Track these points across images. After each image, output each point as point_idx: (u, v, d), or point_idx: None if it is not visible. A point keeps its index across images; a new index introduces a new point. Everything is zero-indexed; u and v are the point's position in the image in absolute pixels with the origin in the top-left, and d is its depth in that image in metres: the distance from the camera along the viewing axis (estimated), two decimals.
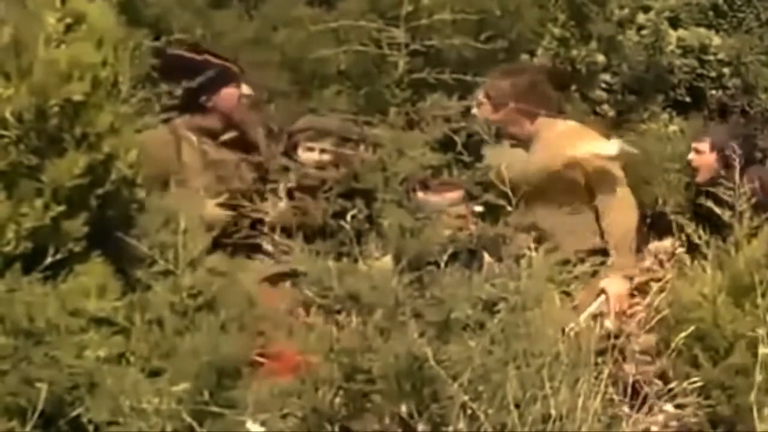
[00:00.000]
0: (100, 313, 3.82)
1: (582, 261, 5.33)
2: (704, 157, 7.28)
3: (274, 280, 5.24)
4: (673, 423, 4.89)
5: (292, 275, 4.67)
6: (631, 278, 5.79)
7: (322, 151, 5.92)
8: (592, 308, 5.48)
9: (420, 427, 3.88)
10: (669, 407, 4.76)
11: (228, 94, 5.74)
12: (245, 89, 5.94)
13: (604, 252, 5.87)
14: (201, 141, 5.64)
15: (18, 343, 3.70)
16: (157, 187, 4.52)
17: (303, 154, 5.94)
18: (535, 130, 6.02)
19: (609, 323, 5.21)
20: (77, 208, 3.87)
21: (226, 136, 5.71)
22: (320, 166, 5.84)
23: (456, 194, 5.83)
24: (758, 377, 4.42)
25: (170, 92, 5.00)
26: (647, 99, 9.92)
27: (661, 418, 4.75)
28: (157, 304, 3.89)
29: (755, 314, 5.03)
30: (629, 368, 4.67)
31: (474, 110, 6.03)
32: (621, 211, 5.93)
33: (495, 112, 6.02)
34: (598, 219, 5.92)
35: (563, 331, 4.32)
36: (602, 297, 5.69)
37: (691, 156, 7.40)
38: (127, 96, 4.11)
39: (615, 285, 5.73)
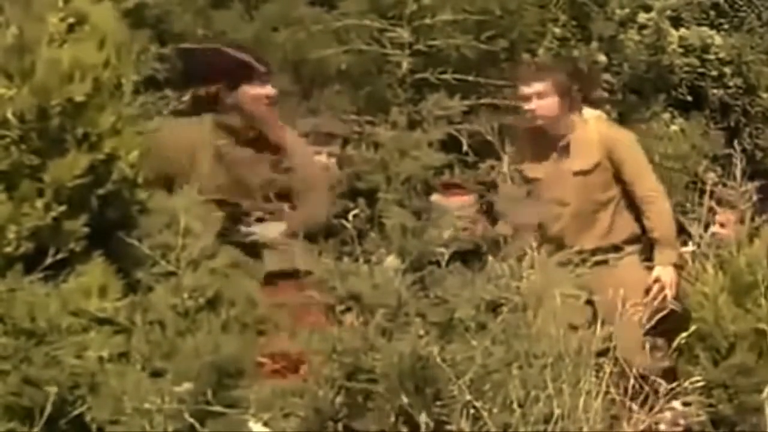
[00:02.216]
0: (102, 313, 3.82)
1: (584, 261, 5.33)
2: (729, 227, 7.31)
3: (274, 279, 5.20)
4: (671, 422, 4.89)
5: (294, 274, 4.65)
6: (680, 267, 5.83)
7: (328, 154, 5.94)
8: None
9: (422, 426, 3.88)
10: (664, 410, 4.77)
11: (246, 92, 5.62)
12: (269, 90, 5.74)
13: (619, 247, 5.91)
14: (219, 141, 5.54)
15: (19, 343, 3.70)
16: (163, 184, 4.48)
17: None
18: (571, 126, 5.96)
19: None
20: (78, 208, 3.87)
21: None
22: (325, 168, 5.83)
23: (467, 198, 5.84)
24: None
25: (179, 96, 4.92)
26: (648, 99, 9.91)
27: (653, 418, 4.75)
28: (158, 305, 3.88)
29: (756, 314, 5.04)
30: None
31: (536, 104, 5.85)
32: (665, 202, 5.98)
33: (562, 107, 5.91)
34: (638, 212, 5.93)
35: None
36: None
37: (716, 228, 7.42)
38: (130, 97, 4.10)
39: (669, 273, 5.77)
